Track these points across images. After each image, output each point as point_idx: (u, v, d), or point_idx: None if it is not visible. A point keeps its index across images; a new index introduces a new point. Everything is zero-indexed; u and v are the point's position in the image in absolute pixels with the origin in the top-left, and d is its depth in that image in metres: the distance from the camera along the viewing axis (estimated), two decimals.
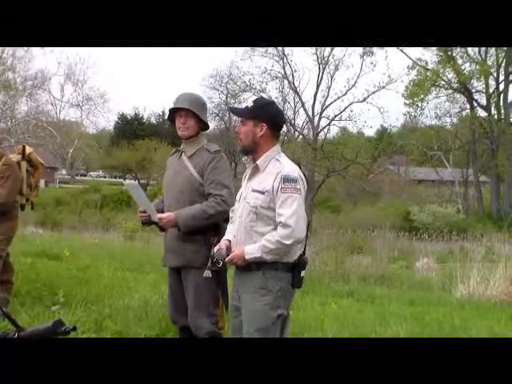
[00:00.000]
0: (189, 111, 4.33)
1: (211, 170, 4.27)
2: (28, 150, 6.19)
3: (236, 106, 37.95)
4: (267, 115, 3.65)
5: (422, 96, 41.32)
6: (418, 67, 40.78)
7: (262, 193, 3.54)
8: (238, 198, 3.79)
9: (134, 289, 7.71)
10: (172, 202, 4.38)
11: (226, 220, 4.18)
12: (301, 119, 42.75)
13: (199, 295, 4.24)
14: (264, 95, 35.91)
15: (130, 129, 64.72)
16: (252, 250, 3.50)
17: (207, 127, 4.51)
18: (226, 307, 4.30)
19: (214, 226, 4.24)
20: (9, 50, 42.00)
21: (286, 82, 40.42)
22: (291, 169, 3.58)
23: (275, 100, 34.48)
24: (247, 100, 37.62)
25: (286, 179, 3.49)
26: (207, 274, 3.92)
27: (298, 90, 40.51)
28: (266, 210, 3.53)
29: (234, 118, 40.44)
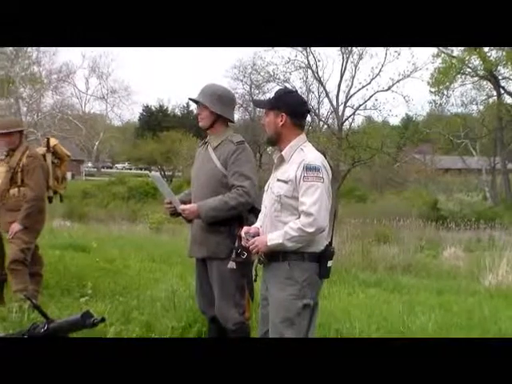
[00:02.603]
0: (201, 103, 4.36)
1: (234, 161, 4.25)
2: (53, 142, 6.24)
3: (260, 96, 37.94)
4: (286, 104, 3.65)
5: (447, 84, 40.96)
6: (443, 55, 40.36)
7: (286, 182, 3.53)
8: (266, 188, 3.79)
9: (160, 280, 7.76)
10: (197, 193, 4.39)
11: (251, 211, 4.18)
12: (325, 109, 42.39)
13: (224, 286, 4.25)
14: (288, 85, 35.81)
15: (155, 121, 64.75)
16: (274, 237, 3.51)
17: (230, 119, 4.47)
18: (252, 298, 4.30)
19: (239, 217, 4.22)
20: None
21: (309, 71, 40.15)
22: (314, 157, 3.56)
23: (299, 90, 34.37)
24: (271, 91, 37.58)
25: (309, 168, 3.48)
26: (231, 265, 3.93)
27: (321, 79, 40.24)
28: (289, 199, 3.52)
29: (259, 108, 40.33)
